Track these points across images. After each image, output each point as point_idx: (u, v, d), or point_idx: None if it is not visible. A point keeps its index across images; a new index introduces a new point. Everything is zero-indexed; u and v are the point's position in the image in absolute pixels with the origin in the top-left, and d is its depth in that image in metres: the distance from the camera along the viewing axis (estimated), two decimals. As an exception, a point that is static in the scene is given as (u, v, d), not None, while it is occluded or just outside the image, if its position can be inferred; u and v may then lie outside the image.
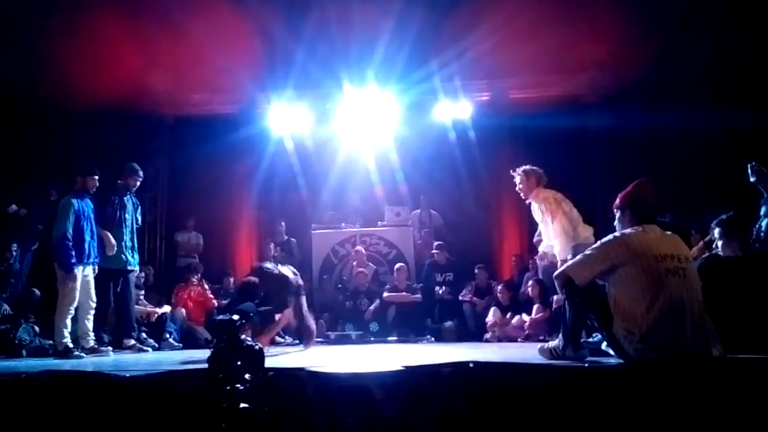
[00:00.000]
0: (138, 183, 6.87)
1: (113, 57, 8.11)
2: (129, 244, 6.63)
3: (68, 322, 5.90)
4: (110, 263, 6.46)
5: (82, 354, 5.83)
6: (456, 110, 9.85)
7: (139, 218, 6.95)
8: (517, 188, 5.73)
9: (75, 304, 5.95)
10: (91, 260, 6.16)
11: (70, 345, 5.83)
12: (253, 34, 8.50)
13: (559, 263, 5.28)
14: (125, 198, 6.72)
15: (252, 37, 8.52)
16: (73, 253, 5.93)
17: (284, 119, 10.05)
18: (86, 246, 6.09)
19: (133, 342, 6.55)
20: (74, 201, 6.08)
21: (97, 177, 6.31)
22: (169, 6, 7.80)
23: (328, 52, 8.94)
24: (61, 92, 7.98)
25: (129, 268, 6.62)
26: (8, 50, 7.79)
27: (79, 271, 5.97)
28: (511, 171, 5.79)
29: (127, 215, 6.66)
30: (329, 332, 8.19)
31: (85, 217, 6.14)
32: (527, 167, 5.66)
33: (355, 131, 10.08)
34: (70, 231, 5.95)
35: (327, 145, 10.21)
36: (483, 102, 10.04)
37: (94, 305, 6.12)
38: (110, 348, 6.23)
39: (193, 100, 10.25)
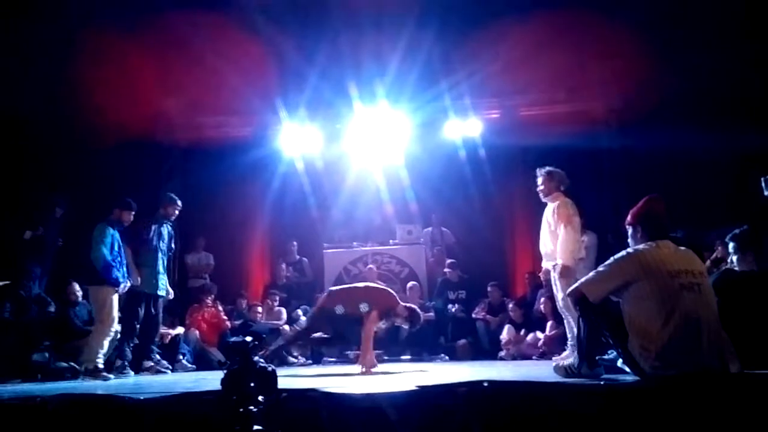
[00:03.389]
0: (177, 212, 7.04)
1: (127, 82, 8.23)
2: (161, 270, 6.75)
3: (105, 343, 5.99)
4: (143, 286, 6.58)
5: (110, 375, 5.91)
6: (466, 128, 9.86)
7: (173, 246, 7.18)
8: (538, 188, 5.65)
9: (115, 325, 6.07)
10: (121, 285, 6.21)
11: (101, 366, 5.89)
12: (267, 57, 8.62)
13: (557, 269, 5.25)
14: (162, 227, 6.86)
15: (266, 61, 8.64)
16: (117, 273, 6.12)
17: (295, 140, 10.09)
18: (115, 272, 6.19)
19: (151, 364, 6.62)
20: (109, 228, 6.22)
21: (133, 212, 6.48)
22: (184, 32, 7.94)
23: (340, 74, 9.02)
24: (74, 118, 8.10)
25: (159, 293, 6.72)
26: (23, 78, 7.94)
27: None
28: (537, 170, 5.71)
29: (162, 243, 6.81)
30: (347, 351, 8.14)
31: (117, 245, 6.26)
32: (551, 168, 5.59)
33: (365, 150, 10.11)
34: (108, 255, 6.08)
35: (338, 164, 10.25)
36: (493, 120, 10.05)
37: (115, 329, 6.17)
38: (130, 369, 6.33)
39: (206, 123, 10.33)
